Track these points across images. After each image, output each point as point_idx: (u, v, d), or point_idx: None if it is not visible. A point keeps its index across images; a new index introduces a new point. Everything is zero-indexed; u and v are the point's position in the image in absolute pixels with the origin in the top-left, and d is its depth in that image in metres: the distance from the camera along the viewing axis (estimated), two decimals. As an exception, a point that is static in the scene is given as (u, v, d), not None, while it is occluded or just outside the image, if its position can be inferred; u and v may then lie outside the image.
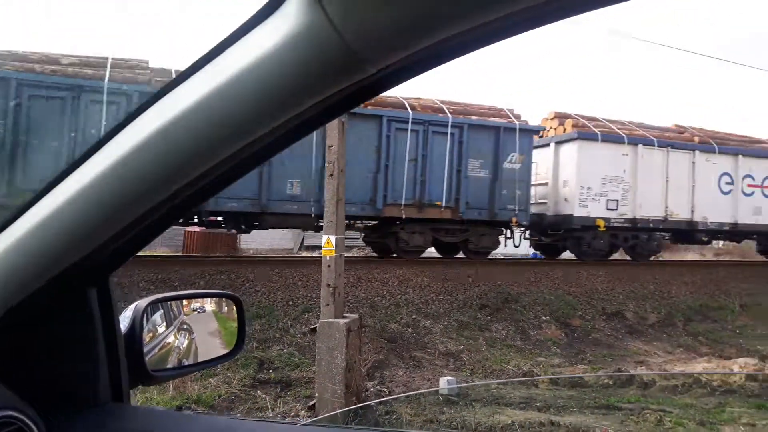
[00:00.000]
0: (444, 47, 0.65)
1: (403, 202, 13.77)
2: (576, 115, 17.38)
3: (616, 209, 16.56)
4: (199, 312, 1.48)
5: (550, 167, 16.96)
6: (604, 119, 17.79)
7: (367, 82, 0.68)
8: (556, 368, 9.66)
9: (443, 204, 14.25)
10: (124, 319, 1.15)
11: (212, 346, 1.47)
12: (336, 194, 6.28)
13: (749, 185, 18.59)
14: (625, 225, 16.83)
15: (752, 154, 18.84)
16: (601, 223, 16.23)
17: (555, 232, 17.35)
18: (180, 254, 19.34)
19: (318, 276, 7.76)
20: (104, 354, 1.01)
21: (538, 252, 20.82)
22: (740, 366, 9.88)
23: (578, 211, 16.01)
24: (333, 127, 6.25)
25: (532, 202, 17.20)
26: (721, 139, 19.01)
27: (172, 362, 1.34)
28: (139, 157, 0.76)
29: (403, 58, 0.65)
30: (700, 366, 10.15)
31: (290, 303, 10.73)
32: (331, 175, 6.26)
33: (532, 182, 17.20)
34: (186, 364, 1.37)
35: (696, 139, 18.32)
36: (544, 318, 12.07)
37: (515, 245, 16.81)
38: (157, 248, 22.39)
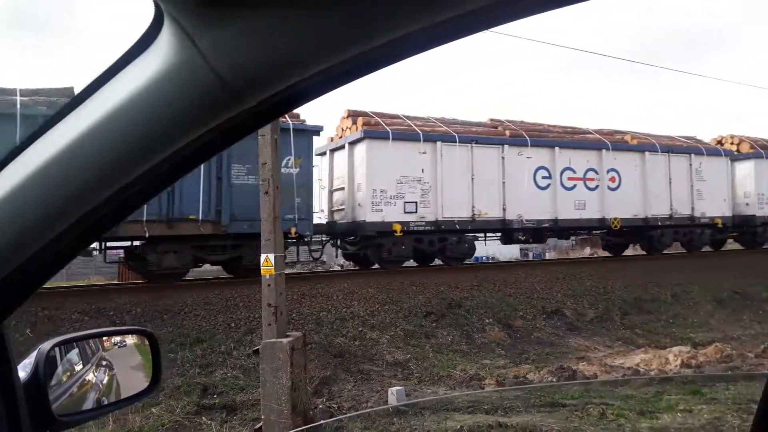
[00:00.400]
0: (325, 76, 0.65)
1: (144, 218, 11.77)
2: (372, 112, 16.04)
3: (415, 212, 15.24)
4: (119, 346, 1.42)
5: (345, 171, 15.71)
6: (405, 116, 16.58)
7: (253, 112, 0.67)
8: (501, 369, 9.81)
9: (200, 217, 12.46)
10: (25, 367, 1.08)
11: (136, 381, 1.41)
12: (273, 212, 6.20)
13: (569, 178, 17.68)
14: (428, 228, 15.49)
15: (571, 146, 17.85)
16: (398, 227, 14.79)
17: (354, 241, 15.97)
18: (116, 282, 18.65)
19: (260, 295, 7.65)
20: (1, 406, 0.94)
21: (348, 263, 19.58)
22: (675, 354, 10.30)
23: (371, 216, 14.61)
24: (266, 143, 6.18)
25: (333, 208, 16.09)
26: (538, 132, 18.13)
27: (91, 401, 1.27)
28: (15, 202, 0.73)
29: (285, 89, 0.64)
30: (638, 357, 10.51)
31: (232, 325, 10.52)
32: (267, 192, 6.18)
33: (334, 187, 16.22)
34: (106, 402, 1.31)
35: (507, 132, 17.29)
36: (487, 321, 12.25)
37: (313, 258, 15.50)
38: (90, 277, 21.55)
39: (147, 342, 1.40)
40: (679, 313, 14.09)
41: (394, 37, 0.60)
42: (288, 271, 16.03)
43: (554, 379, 9.08)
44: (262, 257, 6.41)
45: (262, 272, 6.48)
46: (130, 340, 1.43)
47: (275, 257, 6.31)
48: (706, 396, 7.92)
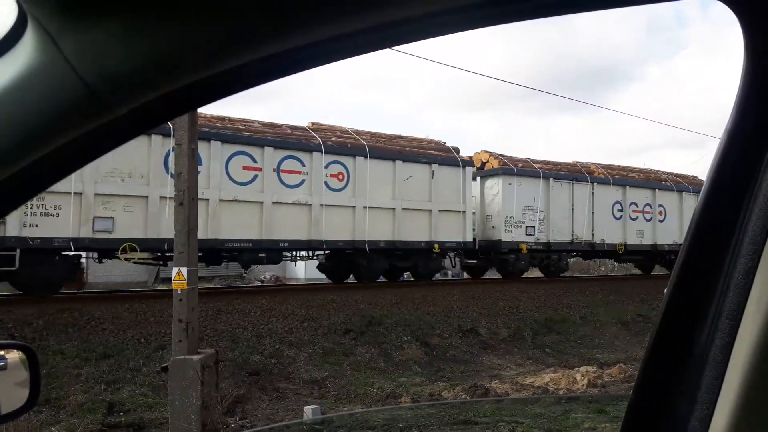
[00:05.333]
0: (201, 87, 0.64)
1: None
2: None
3: None
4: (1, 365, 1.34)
5: None
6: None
7: (125, 121, 0.66)
8: (417, 387, 9.89)
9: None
10: None
11: (18, 397, 1.34)
12: (187, 224, 6.03)
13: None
14: None
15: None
16: None
17: None
18: (17, 292, 17.51)
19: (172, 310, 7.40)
20: None
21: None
22: (582, 374, 10.71)
23: None
24: (183, 154, 6.02)
25: None
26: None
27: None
28: None
29: (158, 98, 0.64)
30: (548, 376, 10.86)
31: (142, 340, 10.11)
32: (181, 203, 6.01)
33: None
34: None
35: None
36: (405, 338, 12.34)
37: None
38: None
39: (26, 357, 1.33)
40: (586, 334, 14.69)
41: (273, 53, 0.61)
42: (205, 285, 15.69)
43: (467, 397, 9.24)
44: (174, 270, 6.21)
45: (174, 286, 6.27)
46: (14, 355, 1.36)
47: (188, 271, 6.12)
48: (610, 414, 8.27)
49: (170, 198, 11.07)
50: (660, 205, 21.93)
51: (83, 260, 19.05)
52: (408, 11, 0.63)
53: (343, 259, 16.15)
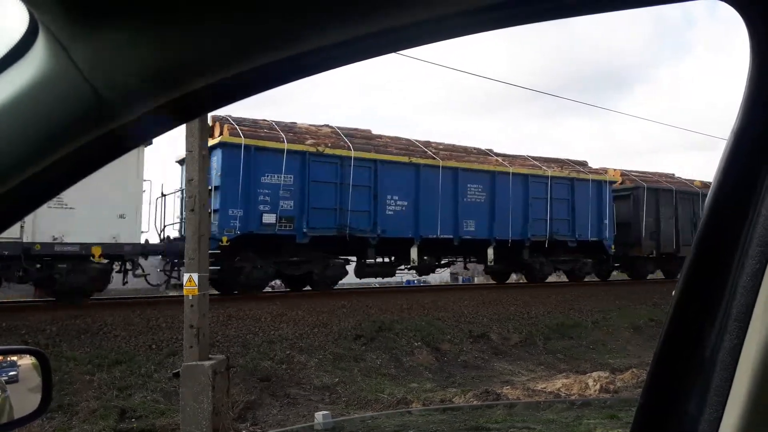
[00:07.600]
0: (208, 93, 0.65)
1: None
2: None
3: None
4: (10, 368, 1.36)
5: None
6: None
7: (133, 127, 0.67)
8: (428, 393, 9.86)
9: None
10: None
11: (31, 402, 1.36)
12: (198, 230, 6.06)
13: None
14: None
15: None
16: None
17: None
18: (30, 299, 17.66)
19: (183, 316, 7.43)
20: None
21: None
22: (594, 379, 10.63)
23: None
24: (193, 160, 6.06)
25: None
26: None
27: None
28: None
29: (165, 104, 0.64)
30: (559, 382, 10.79)
31: (153, 347, 10.15)
32: (192, 210, 6.04)
33: None
34: (-4, 425, 1.25)
35: None
36: (416, 344, 12.31)
37: None
38: (5, 294, 20.28)
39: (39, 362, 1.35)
40: (598, 339, 14.58)
41: (281, 57, 0.62)
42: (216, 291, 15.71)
43: (479, 403, 9.20)
44: (185, 276, 6.24)
45: (185, 292, 6.30)
46: (27, 360, 1.37)
47: (199, 277, 6.15)
48: (622, 420, 8.21)
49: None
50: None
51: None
52: (417, 15, 0.63)
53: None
